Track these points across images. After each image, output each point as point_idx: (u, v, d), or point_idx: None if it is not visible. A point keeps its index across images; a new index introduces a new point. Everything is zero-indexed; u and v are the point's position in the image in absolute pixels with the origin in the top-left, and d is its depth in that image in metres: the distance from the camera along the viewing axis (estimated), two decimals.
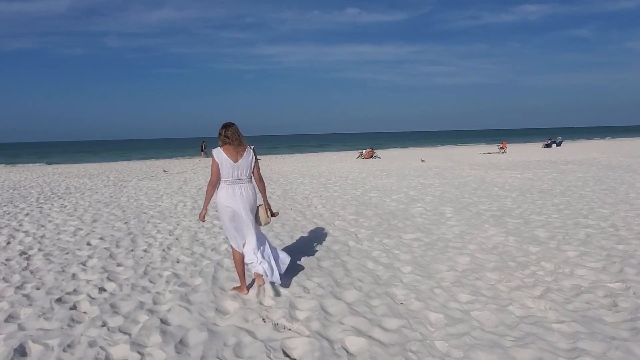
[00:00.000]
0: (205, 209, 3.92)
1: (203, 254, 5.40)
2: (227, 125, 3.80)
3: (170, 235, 6.53)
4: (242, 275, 4.03)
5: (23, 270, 4.89)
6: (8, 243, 6.20)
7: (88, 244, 6.10)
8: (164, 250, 5.64)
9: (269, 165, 22.26)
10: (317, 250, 5.44)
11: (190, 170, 20.24)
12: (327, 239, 6.05)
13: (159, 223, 7.50)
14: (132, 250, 5.69)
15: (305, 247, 5.64)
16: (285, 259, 4.13)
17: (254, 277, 4.22)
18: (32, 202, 10.44)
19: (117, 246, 5.92)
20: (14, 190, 13.14)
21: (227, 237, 4.13)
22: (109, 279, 4.51)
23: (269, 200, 9.99)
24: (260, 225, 4.04)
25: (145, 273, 4.69)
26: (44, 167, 25.85)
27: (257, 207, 4.01)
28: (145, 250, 5.64)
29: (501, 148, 29.57)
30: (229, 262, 5.00)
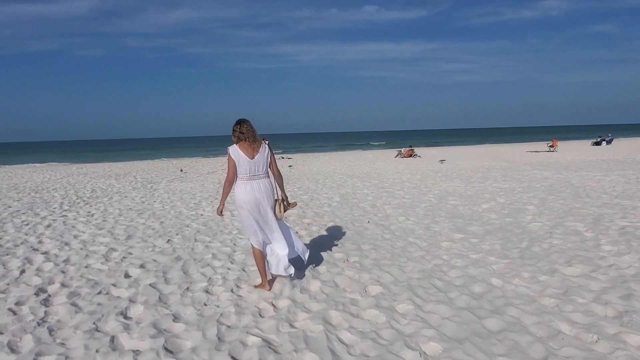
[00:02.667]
0: (222, 204, 3.90)
1: (293, 297, 3.75)
2: (241, 122, 3.74)
3: (231, 262, 4.91)
4: (263, 271, 3.95)
5: (39, 325, 3.32)
6: (22, 272, 4.69)
7: (126, 275, 4.53)
8: (232, 290, 4.01)
9: (306, 165, 20.63)
10: (457, 295, 3.73)
11: (221, 170, 18.79)
12: (453, 273, 4.33)
13: (210, 241, 5.91)
14: (187, 288, 4.08)
15: (433, 287, 3.94)
16: (305, 251, 4.12)
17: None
18: (55, 208, 9.03)
19: (166, 280, 4.33)
20: (36, 193, 11.83)
21: (245, 234, 4.04)
22: (167, 350, 2.90)
23: (326, 208, 8.39)
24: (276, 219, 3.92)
25: (219, 338, 3.06)
26: (68, 166, 24.80)
27: (275, 201, 3.91)
28: (207, 291, 4.01)
29: (551, 146, 27.31)
30: (339, 317, 3.34)
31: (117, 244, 5.91)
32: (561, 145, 32.69)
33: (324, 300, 3.68)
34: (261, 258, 3.92)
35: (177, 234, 6.41)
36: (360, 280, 4.19)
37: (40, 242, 6.10)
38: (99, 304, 3.72)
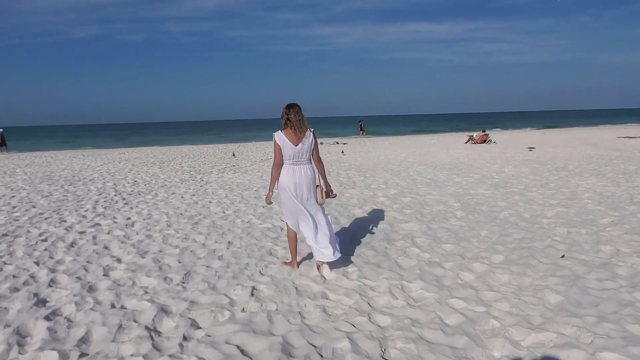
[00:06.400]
0: (271, 191, 3.92)
1: None
2: (290, 107, 3.73)
3: None
4: (294, 252, 4.04)
5: None
6: None
7: None
8: None
9: (370, 152, 17.94)
10: None
11: None
12: None
13: (324, 294, 3.47)
14: None
15: None
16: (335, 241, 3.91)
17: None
18: (87, 211, 6.94)
19: None
20: (70, 185, 9.91)
21: (284, 214, 4.03)
22: None
23: (454, 221, 4.44)
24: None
25: None
26: (110, 151, 23.30)
27: (316, 187, 3.91)
28: None
29: None
30: None
31: (169, 294, 3.58)
32: None
33: None
34: (294, 239, 3.99)
35: (260, 272, 4.03)
36: None
37: (52, 282, 3.88)
38: None
